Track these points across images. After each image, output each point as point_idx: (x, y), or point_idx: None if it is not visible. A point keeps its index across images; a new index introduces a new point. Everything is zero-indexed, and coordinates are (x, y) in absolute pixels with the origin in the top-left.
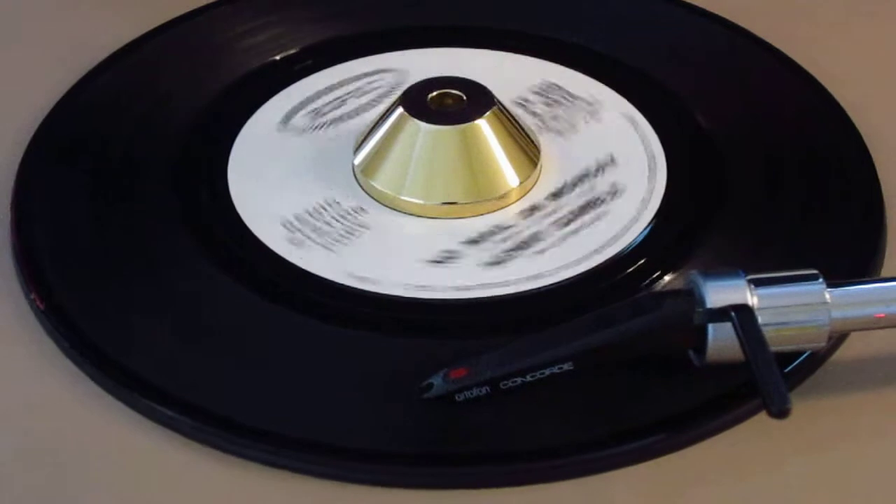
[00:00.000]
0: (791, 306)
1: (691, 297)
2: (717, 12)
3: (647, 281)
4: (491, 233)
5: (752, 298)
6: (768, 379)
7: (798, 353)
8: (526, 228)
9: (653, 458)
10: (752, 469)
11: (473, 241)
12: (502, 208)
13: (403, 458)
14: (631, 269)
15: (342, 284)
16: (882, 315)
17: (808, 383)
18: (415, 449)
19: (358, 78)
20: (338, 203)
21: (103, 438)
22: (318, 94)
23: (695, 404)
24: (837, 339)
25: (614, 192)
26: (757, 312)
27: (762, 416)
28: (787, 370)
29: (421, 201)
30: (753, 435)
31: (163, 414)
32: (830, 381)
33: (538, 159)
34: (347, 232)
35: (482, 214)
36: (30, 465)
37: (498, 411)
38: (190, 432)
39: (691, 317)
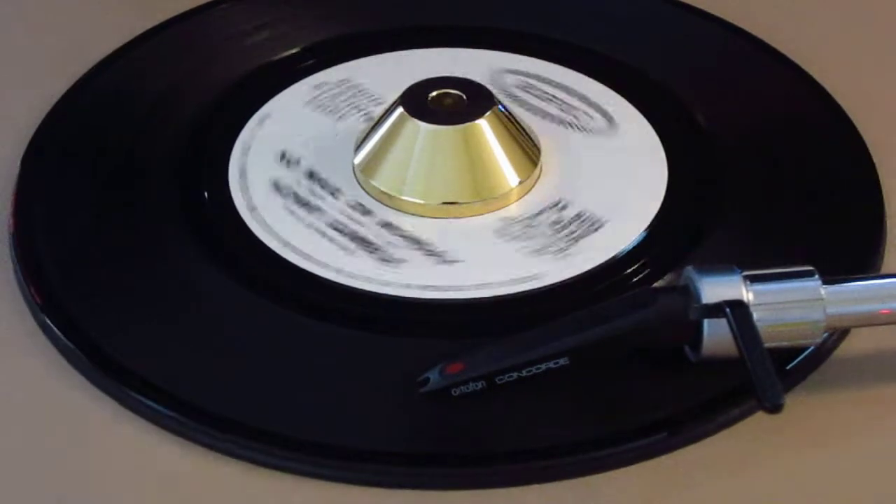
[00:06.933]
0: (786, 302)
1: (686, 292)
2: (716, 13)
3: (647, 281)
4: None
5: (746, 294)
6: (762, 374)
7: (799, 351)
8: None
9: (651, 458)
10: (752, 468)
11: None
12: (502, 208)
13: (398, 459)
14: (631, 269)
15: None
16: (887, 311)
17: (810, 381)
18: (411, 449)
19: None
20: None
21: (100, 438)
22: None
23: (693, 403)
24: (839, 335)
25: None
26: (752, 308)
27: (762, 415)
28: (788, 367)
29: (421, 201)
30: (754, 433)
31: (160, 413)
32: (832, 379)
33: (538, 159)
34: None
35: (482, 214)
36: (27, 464)
37: (495, 411)
38: (187, 432)
39: (686, 312)
